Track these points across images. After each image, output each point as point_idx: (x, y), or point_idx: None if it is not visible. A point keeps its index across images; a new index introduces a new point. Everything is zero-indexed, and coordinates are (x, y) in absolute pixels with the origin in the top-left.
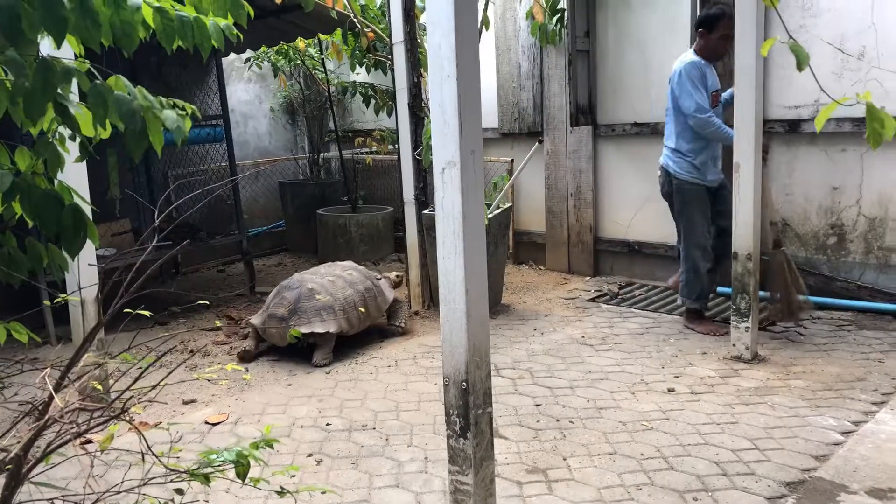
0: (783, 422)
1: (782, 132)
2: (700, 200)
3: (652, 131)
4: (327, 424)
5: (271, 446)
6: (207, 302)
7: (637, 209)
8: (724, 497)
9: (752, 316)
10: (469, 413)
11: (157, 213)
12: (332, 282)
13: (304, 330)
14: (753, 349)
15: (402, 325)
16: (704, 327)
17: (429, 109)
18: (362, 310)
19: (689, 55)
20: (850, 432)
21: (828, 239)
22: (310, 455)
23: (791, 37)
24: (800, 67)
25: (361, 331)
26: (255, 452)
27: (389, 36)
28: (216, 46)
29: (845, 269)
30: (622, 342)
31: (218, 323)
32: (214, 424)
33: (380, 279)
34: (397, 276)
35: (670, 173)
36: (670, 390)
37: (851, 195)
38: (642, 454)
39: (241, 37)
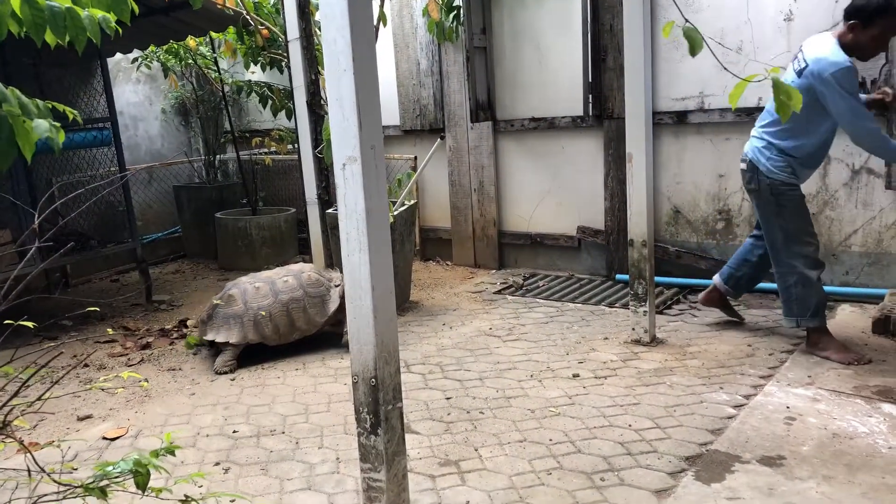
0: (681, 400)
1: (671, 123)
2: (797, 201)
3: (549, 126)
4: (234, 431)
5: (173, 454)
6: (98, 309)
7: (537, 202)
8: (629, 475)
9: (649, 300)
10: (379, 410)
11: (37, 215)
12: (256, 289)
13: (208, 337)
14: (652, 332)
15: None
16: (841, 354)
17: (328, 106)
18: (283, 321)
19: (836, 50)
20: (741, 406)
21: (716, 224)
22: (217, 463)
23: (687, 21)
24: (692, 52)
25: (305, 337)
26: (154, 461)
27: (284, 33)
28: (97, 43)
29: (733, 251)
30: (528, 332)
31: (110, 332)
32: (113, 439)
33: (338, 286)
34: None
35: (760, 170)
36: (575, 376)
37: (736, 182)
38: (551, 439)
39: (121, 31)
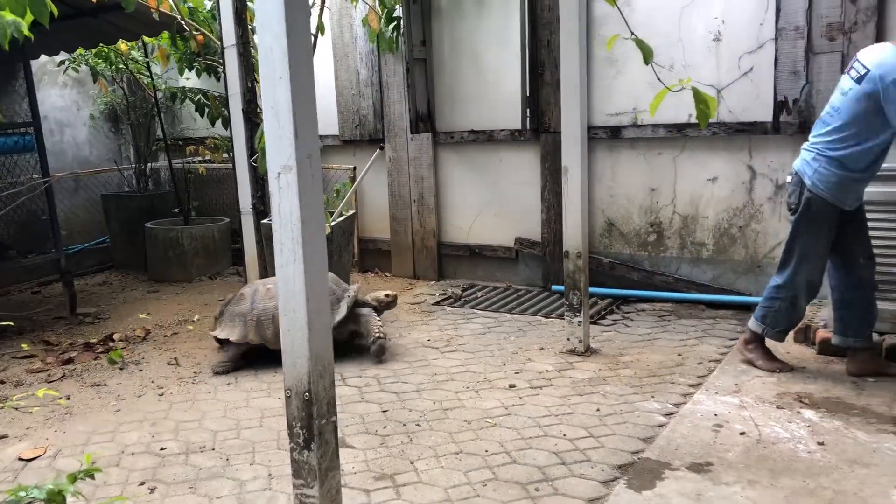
0: (614, 409)
1: (605, 138)
2: (830, 224)
3: (488, 138)
4: (161, 449)
5: (92, 476)
6: (13, 323)
7: (477, 214)
8: (563, 485)
9: (583, 311)
10: (313, 424)
11: None
12: (267, 290)
13: (214, 333)
14: (586, 342)
15: (379, 337)
16: (767, 362)
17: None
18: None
19: (894, 52)
20: (671, 414)
21: (648, 236)
22: (142, 483)
23: (633, 34)
24: (646, 60)
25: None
26: (69, 487)
27: (221, 39)
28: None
29: (664, 263)
30: (466, 343)
31: (25, 346)
32: (30, 460)
33: (349, 294)
34: (387, 297)
35: (804, 183)
36: (511, 386)
37: (667, 195)
38: (487, 451)
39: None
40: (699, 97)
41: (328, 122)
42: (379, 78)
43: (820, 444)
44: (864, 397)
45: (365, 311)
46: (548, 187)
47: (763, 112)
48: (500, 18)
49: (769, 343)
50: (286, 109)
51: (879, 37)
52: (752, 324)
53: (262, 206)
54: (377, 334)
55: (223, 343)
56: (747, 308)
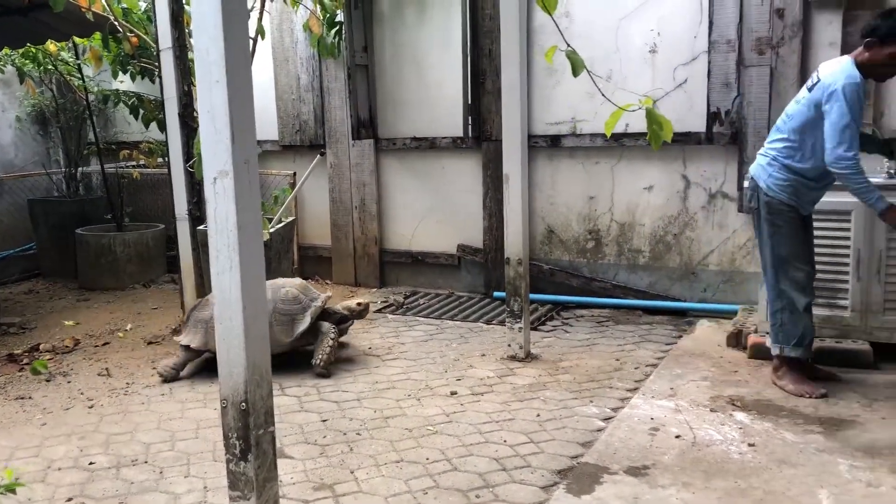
0: (554, 414)
1: (545, 147)
2: (793, 225)
3: (430, 145)
4: (91, 463)
5: (14, 491)
6: None
7: (419, 221)
8: (504, 491)
9: (524, 317)
10: (249, 434)
11: None
12: None
13: (177, 338)
14: (527, 348)
15: (320, 361)
16: (796, 385)
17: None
18: None
19: (850, 66)
20: (610, 418)
21: (587, 243)
22: (69, 499)
23: (569, 45)
24: (575, 73)
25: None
26: None
27: (156, 42)
28: None
29: (602, 270)
30: (408, 350)
31: None
32: None
33: (316, 303)
34: (358, 305)
35: (760, 187)
36: (453, 393)
37: (605, 203)
38: (428, 458)
39: None
40: (653, 118)
41: (268, 127)
42: (320, 83)
43: (751, 445)
44: (792, 399)
45: (325, 327)
46: (490, 194)
47: (697, 122)
48: (442, 26)
49: (699, 348)
50: (223, 113)
51: (804, 52)
52: (773, 349)
53: (198, 212)
54: (319, 361)
55: (186, 349)
56: (682, 314)
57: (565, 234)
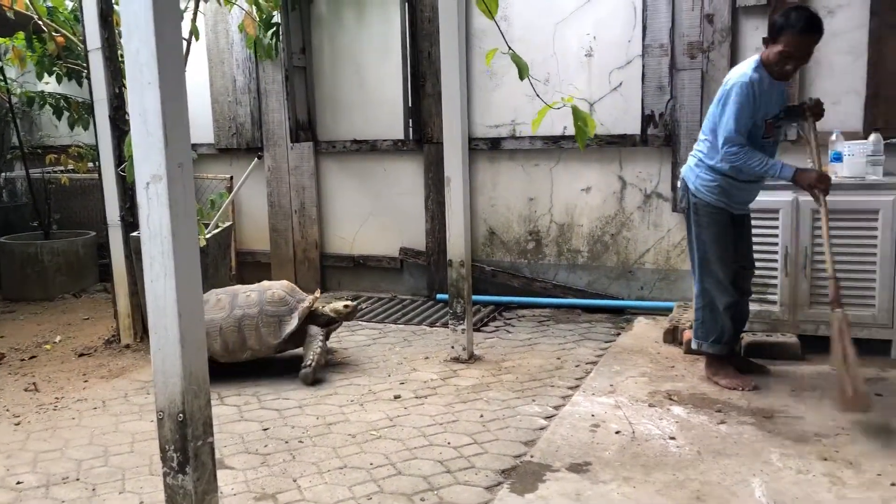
0: (497, 414)
1: (486, 149)
2: (719, 225)
3: (371, 148)
4: (18, 483)
5: None
6: None
7: (360, 224)
8: (448, 493)
9: (466, 318)
10: (188, 446)
11: None
12: (218, 300)
13: None
14: (469, 349)
15: (309, 365)
16: (729, 380)
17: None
18: (233, 337)
19: (750, 65)
20: (552, 416)
21: (528, 244)
22: None
23: (511, 48)
24: (521, 76)
25: (249, 360)
26: None
27: (84, 42)
28: None
29: (543, 270)
30: (350, 355)
31: None
32: None
33: (304, 304)
34: (346, 307)
35: (689, 188)
36: (396, 397)
37: (545, 205)
38: (371, 463)
39: None
40: (578, 115)
41: (203, 130)
42: (257, 85)
43: (688, 438)
44: (725, 393)
45: (313, 330)
46: (431, 197)
47: (632, 125)
48: (381, 29)
49: (637, 344)
50: (155, 116)
51: (734, 56)
52: (694, 343)
53: (131, 218)
54: (310, 363)
55: None
56: (620, 311)
57: (506, 235)
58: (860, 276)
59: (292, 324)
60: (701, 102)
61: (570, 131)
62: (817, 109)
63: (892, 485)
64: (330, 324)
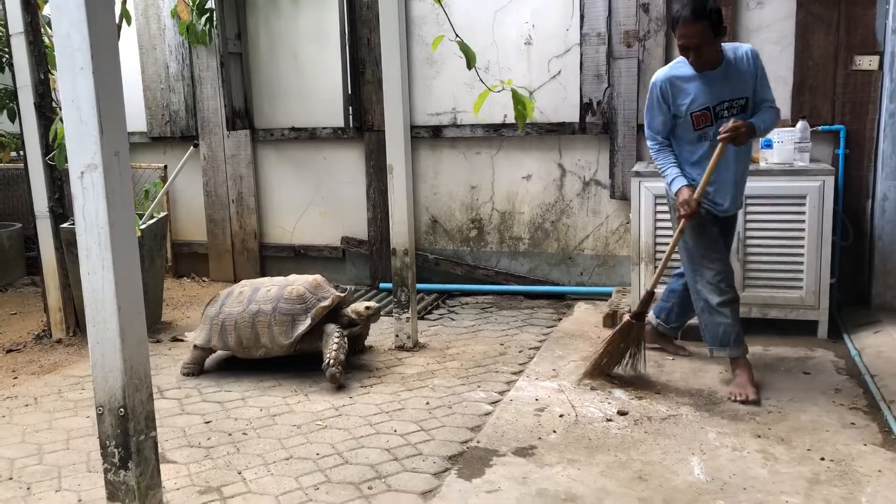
0: (443, 401)
1: (427, 137)
2: (700, 224)
3: (310, 136)
4: None
5: None
6: None
7: (301, 214)
8: (396, 481)
9: (411, 307)
10: (130, 441)
11: None
12: (239, 293)
13: (188, 334)
14: (414, 338)
15: (330, 361)
16: (739, 388)
17: (62, 109)
18: (247, 333)
19: (675, 60)
20: (497, 402)
21: (470, 232)
22: None
23: (458, 36)
24: (469, 66)
25: (264, 357)
26: None
27: (5, 27)
28: None
29: (485, 258)
30: None
31: None
32: None
33: (323, 304)
34: (367, 309)
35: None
36: (341, 387)
37: (486, 193)
38: (318, 454)
39: None
40: (517, 99)
41: (135, 118)
42: (191, 72)
43: (629, 420)
44: (665, 374)
45: (329, 328)
46: (373, 185)
47: (571, 113)
48: (318, 14)
49: (578, 329)
50: (89, 103)
51: (668, 45)
52: (711, 353)
53: (61, 209)
54: (329, 360)
55: (195, 347)
56: (561, 297)
57: (449, 223)
58: (789, 259)
59: (305, 324)
60: (637, 91)
61: (511, 119)
62: (723, 133)
63: (822, 459)
64: (351, 325)
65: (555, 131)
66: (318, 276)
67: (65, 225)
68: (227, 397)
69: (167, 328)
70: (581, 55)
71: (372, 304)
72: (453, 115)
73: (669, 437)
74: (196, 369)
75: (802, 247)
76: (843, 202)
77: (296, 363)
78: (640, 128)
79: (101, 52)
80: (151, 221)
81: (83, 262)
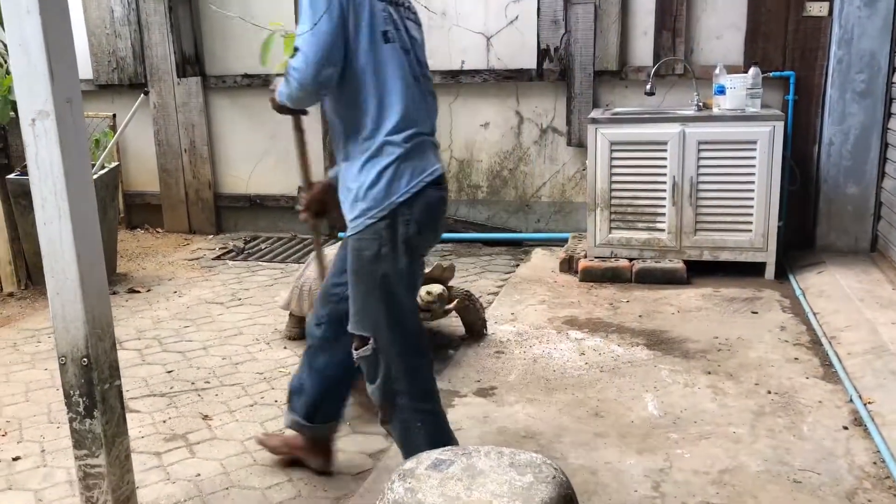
0: None
1: None
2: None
3: (263, 83)
4: None
5: None
6: None
7: (256, 163)
8: (361, 422)
9: None
10: (94, 390)
11: None
12: (327, 254)
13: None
14: None
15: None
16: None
17: (8, 55)
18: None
19: None
20: (458, 346)
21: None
22: None
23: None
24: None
25: None
26: None
27: None
28: None
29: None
30: (253, 296)
31: None
32: None
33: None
34: (428, 294)
35: None
36: (301, 336)
37: (445, 141)
38: (281, 400)
39: None
40: (267, 45)
41: (80, 65)
42: (137, 16)
43: (586, 360)
44: (618, 316)
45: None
46: (329, 133)
47: (528, 59)
48: None
49: (535, 275)
50: (38, 47)
51: None
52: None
53: (6, 160)
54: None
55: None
56: (519, 244)
57: None
58: (739, 202)
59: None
60: (594, 37)
61: (469, 65)
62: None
63: (768, 392)
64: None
65: (512, 78)
66: (438, 286)
67: (11, 176)
68: (188, 347)
69: (122, 280)
70: (538, 1)
71: (433, 288)
72: None
73: (624, 376)
74: (297, 332)
75: (752, 191)
76: (792, 147)
77: (256, 314)
78: (597, 74)
79: None
80: (102, 172)
81: (38, 212)
